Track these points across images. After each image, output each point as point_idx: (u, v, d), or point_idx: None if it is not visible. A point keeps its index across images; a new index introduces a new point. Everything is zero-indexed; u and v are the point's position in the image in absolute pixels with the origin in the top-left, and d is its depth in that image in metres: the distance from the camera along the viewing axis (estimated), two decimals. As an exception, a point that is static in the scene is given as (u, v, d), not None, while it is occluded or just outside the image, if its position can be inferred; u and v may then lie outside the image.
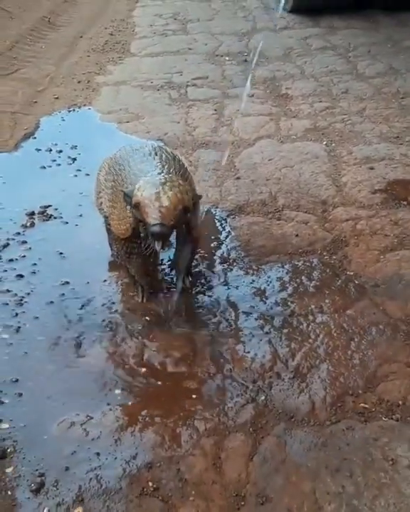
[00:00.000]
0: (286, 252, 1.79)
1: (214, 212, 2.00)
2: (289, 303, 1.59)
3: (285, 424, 1.27)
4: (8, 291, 1.64)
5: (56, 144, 2.48)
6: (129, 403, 1.32)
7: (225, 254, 1.79)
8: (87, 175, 2.23)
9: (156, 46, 3.84)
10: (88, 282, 1.68)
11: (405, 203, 2.00)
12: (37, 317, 1.55)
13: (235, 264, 1.75)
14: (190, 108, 2.86)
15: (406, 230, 1.85)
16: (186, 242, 1.52)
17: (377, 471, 1.17)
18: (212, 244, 1.83)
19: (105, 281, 1.70)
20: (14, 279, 1.69)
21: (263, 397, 1.33)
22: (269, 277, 1.68)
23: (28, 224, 1.95)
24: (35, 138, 2.58)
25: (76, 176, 2.27)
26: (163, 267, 1.76)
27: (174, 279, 1.68)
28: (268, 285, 1.65)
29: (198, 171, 2.25)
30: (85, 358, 1.43)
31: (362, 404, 1.31)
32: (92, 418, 1.28)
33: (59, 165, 2.35)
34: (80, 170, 2.30)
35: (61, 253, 1.81)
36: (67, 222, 1.97)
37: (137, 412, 1.30)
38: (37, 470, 1.17)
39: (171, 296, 1.59)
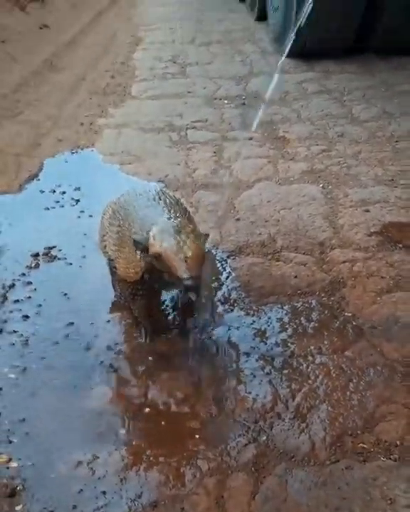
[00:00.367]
0: (285, 293, 1.84)
1: (215, 253, 2.05)
2: (289, 344, 1.63)
3: (286, 463, 1.30)
4: (14, 331, 1.68)
5: (60, 186, 2.55)
6: (134, 443, 1.35)
7: (226, 295, 1.84)
8: (91, 216, 2.29)
9: (156, 89, 3.95)
10: (92, 323, 1.72)
11: (400, 245, 2.06)
12: (43, 357, 1.59)
13: (235, 304, 1.80)
14: (190, 150, 2.94)
15: (402, 272, 1.90)
16: None
17: (376, 511, 1.19)
18: (213, 285, 1.88)
19: (109, 321, 1.74)
20: (20, 319, 1.73)
21: (264, 437, 1.36)
22: (269, 318, 1.73)
23: (33, 265, 2.00)
24: (39, 179, 2.64)
25: (79, 217, 2.32)
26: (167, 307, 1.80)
27: (177, 320, 1.73)
28: (268, 326, 1.69)
29: (199, 213, 2.30)
30: (91, 399, 1.46)
31: (361, 445, 1.34)
32: (98, 457, 1.31)
33: (63, 206, 2.41)
34: (83, 211, 2.36)
35: (65, 294, 1.86)
36: (71, 263, 2.02)
37: (141, 452, 1.33)
38: (45, 508, 1.20)
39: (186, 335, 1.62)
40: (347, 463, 1.30)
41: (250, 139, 3.05)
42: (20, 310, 1.77)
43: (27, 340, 1.64)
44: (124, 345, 1.64)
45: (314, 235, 2.14)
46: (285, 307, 1.78)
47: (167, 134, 3.15)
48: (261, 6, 5.70)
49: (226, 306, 1.79)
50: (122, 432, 1.37)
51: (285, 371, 1.54)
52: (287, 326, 1.69)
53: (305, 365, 1.55)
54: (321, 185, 2.51)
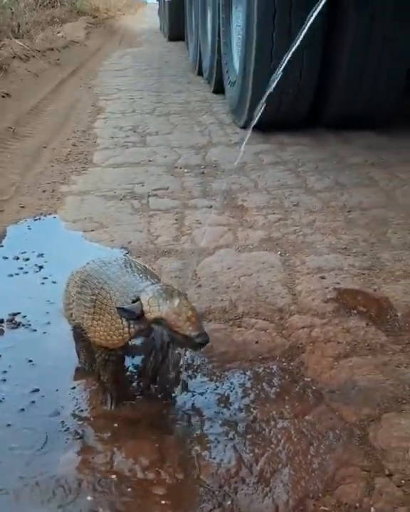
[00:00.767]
0: (247, 358, 1.90)
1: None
2: (251, 409, 1.67)
3: (251, 529, 1.33)
4: (-21, 399, 1.68)
5: (23, 252, 2.59)
6: (101, 510, 1.35)
7: (189, 361, 1.88)
8: (54, 282, 2.33)
9: (117, 157, 4.07)
10: (57, 389, 1.74)
11: (355, 311, 2.15)
12: (9, 424, 1.59)
13: (199, 370, 1.84)
14: (152, 217, 3.03)
15: (357, 337, 1.99)
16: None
17: None
18: (176, 351, 1.92)
19: (74, 388, 1.75)
20: (-15, 386, 1.74)
21: (229, 502, 1.38)
22: (232, 384, 1.77)
23: (-2, 331, 2.02)
24: (2, 246, 2.68)
25: (43, 283, 2.36)
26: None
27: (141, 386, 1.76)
28: (231, 391, 1.74)
29: (162, 279, 2.34)
30: (57, 466, 1.47)
31: (322, 507, 1.37)
32: (64, 527, 1.32)
33: (26, 273, 2.44)
34: (46, 278, 2.39)
35: (30, 360, 1.87)
36: (35, 330, 2.04)
37: (108, 520, 1.34)
38: None
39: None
40: (310, 527, 1.33)
41: (210, 207, 3.16)
42: (-15, 377, 1.78)
43: (-8, 408, 1.65)
44: (89, 412, 1.66)
45: (273, 302, 2.22)
46: (248, 372, 1.83)
47: (129, 202, 3.24)
48: (218, 79, 5.98)
49: (190, 372, 1.83)
50: (89, 498, 1.38)
51: (249, 436, 1.57)
52: (249, 392, 1.74)
53: (267, 430, 1.59)
54: (279, 253, 2.61)
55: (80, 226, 2.90)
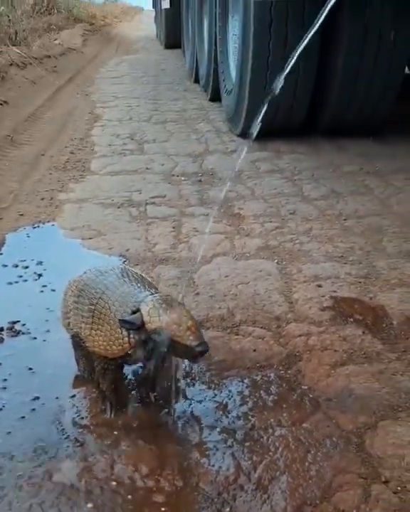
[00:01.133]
0: (245, 366, 1.92)
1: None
2: (250, 417, 1.69)
3: (249, 536, 1.34)
4: (-21, 407, 1.70)
5: (23, 260, 2.60)
6: (101, 518, 1.37)
7: (187, 369, 1.90)
8: (53, 290, 2.34)
9: (115, 165, 4.10)
10: (57, 397, 1.76)
11: (351, 319, 2.17)
12: (9, 432, 1.61)
13: (197, 378, 1.86)
14: (149, 225, 3.05)
15: (354, 345, 2.01)
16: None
17: None
18: (175, 359, 1.94)
19: (74, 396, 1.77)
20: (-15, 394, 1.75)
21: (227, 509, 1.40)
22: (230, 391, 1.79)
23: (-2, 339, 2.03)
24: (1, 254, 2.70)
25: (42, 291, 2.38)
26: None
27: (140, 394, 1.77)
28: (230, 399, 1.76)
29: (160, 287, 2.38)
30: (57, 474, 1.49)
31: (320, 515, 1.40)
32: (65, 534, 1.33)
33: (26, 281, 2.46)
34: (45, 285, 2.41)
35: (30, 368, 1.89)
36: (35, 338, 2.06)
37: (108, 527, 1.35)
38: None
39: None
40: (307, 533, 1.35)
41: (207, 214, 3.19)
42: (-14, 385, 1.79)
43: (-7, 416, 1.67)
44: (89, 420, 1.68)
45: (270, 310, 2.24)
46: (245, 380, 1.85)
47: (127, 209, 3.26)
48: (214, 87, 6.01)
49: (188, 380, 1.85)
50: (90, 506, 1.39)
51: (247, 444, 1.59)
52: (247, 399, 1.76)
53: (265, 438, 1.61)
54: (276, 261, 2.64)
55: (79, 234, 2.92)
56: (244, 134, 4.69)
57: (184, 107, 6.18)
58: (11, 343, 2.02)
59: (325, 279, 2.47)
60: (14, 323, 2.13)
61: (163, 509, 1.40)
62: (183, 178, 3.82)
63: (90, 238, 2.88)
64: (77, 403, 1.74)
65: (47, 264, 2.60)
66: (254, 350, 2.00)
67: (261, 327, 2.14)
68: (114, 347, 1.49)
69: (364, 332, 2.10)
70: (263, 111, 1.40)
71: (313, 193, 3.51)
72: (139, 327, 1.42)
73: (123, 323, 1.43)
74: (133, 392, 1.80)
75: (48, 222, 3.07)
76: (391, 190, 3.55)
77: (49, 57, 8.97)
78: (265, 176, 3.83)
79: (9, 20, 9.16)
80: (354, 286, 2.41)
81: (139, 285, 1.53)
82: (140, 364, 1.77)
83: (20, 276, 2.48)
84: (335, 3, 1.39)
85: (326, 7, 1.39)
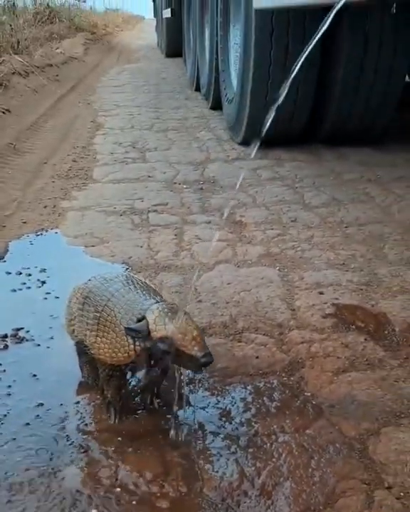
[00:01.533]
0: (248, 373, 1.93)
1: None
2: (253, 423, 1.70)
3: (253, 541, 1.35)
4: (-15, 413, 1.71)
5: (27, 268, 2.62)
6: (106, 523, 1.38)
7: (190, 375, 1.91)
8: (57, 297, 2.36)
9: (117, 173, 4.12)
10: (62, 404, 1.77)
11: (353, 326, 2.18)
12: (14, 438, 1.62)
13: (200, 385, 1.87)
14: (151, 233, 3.07)
15: (356, 352, 2.02)
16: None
17: None
18: (178, 366, 1.95)
19: (78, 402, 1.78)
20: (-10, 401, 1.76)
21: (231, 515, 1.41)
22: (233, 398, 1.80)
23: (2, 347, 2.04)
24: (5, 261, 2.71)
25: (46, 298, 2.39)
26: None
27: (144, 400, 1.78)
28: (233, 406, 1.77)
29: (162, 294, 2.39)
30: (62, 480, 1.49)
31: (324, 521, 1.40)
32: (70, 539, 1.34)
33: (29, 288, 2.47)
34: (49, 292, 2.43)
35: (35, 375, 1.90)
36: (39, 345, 2.07)
37: (113, 533, 1.36)
38: None
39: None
40: (311, 539, 1.36)
41: (209, 222, 3.21)
42: (-10, 391, 1.80)
43: (-2, 422, 1.67)
44: (93, 426, 1.68)
45: (273, 317, 2.25)
46: (248, 387, 1.86)
47: (129, 217, 3.28)
48: (216, 96, 6.05)
49: (191, 387, 1.86)
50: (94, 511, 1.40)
51: (250, 450, 1.60)
52: (250, 406, 1.77)
53: (269, 444, 1.62)
54: (277, 268, 2.65)
55: (81, 241, 2.94)
56: (245, 142, 4.72)
57: (186, 116, 6.21)
58: (15, 350, 2.03)
59: (327, 286, 2.48)
60: (18, 330, 2.14)
61: (167, 515, 1.41)
62: (185, 186, 3.84)
63: (93, 246, 2.89)
64: (82, 409, 1.75)
65: (50, 271, 2.61)
66: (257, 357, 2.01)
67: (263, 334, 2.15)
68: (119, 354, 1.50)
69: (366, 339, 2.11)
70: (272, 118, 1.41)
71: (314, 201, 3.52)
72: (144, 335, 1.43)
73: (129, 331, 1.44)
74: (137, 398, 1.81)
75: (51, 229, 3.09)
76: (392, 198, 3.56)
77: (51, 66, 9.02)
78: (266, 184, 3.85)
79: (11, 29, 9.22)
80: (356, 293, 2.42)
81: (144, 293, 1.54)
82: (142, 371, 1.78)
83: (24, 284, 2.50)
84: (336, 13, 1.41)
85: (327, 18, 1.40)
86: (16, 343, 2.07)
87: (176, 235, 3.03)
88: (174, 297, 2.38)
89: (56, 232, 3.06)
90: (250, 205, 3.47)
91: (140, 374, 1.85)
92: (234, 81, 5.05)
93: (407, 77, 5.03)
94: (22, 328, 2.15)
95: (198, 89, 7.51)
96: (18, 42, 8.82)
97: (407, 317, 2.24)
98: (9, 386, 1.84)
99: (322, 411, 1.75)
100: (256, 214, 3.32)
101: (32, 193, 3.67)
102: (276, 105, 1.50)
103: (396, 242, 2.92)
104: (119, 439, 1.64)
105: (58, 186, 3.82)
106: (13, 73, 7.19)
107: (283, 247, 2.87)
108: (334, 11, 1.42)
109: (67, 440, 1.62)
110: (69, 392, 1.83)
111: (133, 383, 1.87)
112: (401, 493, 1.46)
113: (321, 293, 2.43)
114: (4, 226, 3.11)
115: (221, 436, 1.65)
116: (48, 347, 2.06)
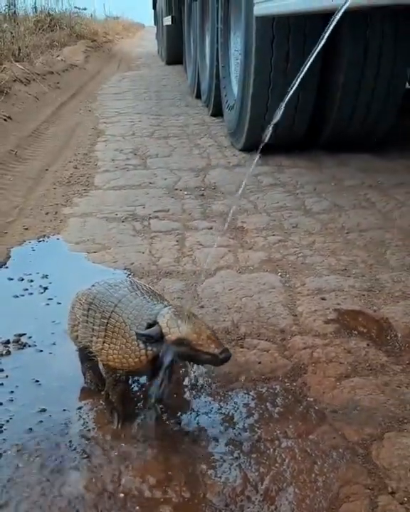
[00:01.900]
0: (250, 378, 1.93)
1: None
2: (256, 428, 1.70)
3: (257, 547, 1.35)
4: (-12, 419, 1.71)
5: (29, 274, 2.62)
6: (110, 529, 1.38)
7: (193, 381, 1.91)
8: (59, 303, 2.36)
9: (118, 180, 4.13)
10: (65, 409, 1.77)
11: (356, 332, 2.18)
12: (17, 444, 1.62)
13: (202, 390, 1.87)
14: (153, 239, 3.07)
15: (358, 358, 2.02)
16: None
17: None
18: (180, 371, 1.95)
19: (81, 408, 1.78)
20: (-7, 406, 1.76)
21: (235, 521, 1.41)
22: (236, 403, 1.80)
23: (4, 352, 2.04)
24: (7, 267, 2.72)
25: (48, 304, 2.39)
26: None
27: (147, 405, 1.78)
28: (236, 411, 1.77)
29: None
30: (65, 485, 1.49)
31: (328, 526, 1.40)
32: (74, 545, 1.34)
33: (31, 294, 2.47)
34: (51, 298, 2.43)
35: (37, 381, 1.90)
36: (41, 350, 2.07)
37: (117, 538, 1.36)
38: None
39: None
40: (315, 544, 1.35)
41: (210, 228, 3.21)
42: (-7, 397, 1.81)
43: (1, 427, 1.67)
44: (96, 431, 1.68)
45: (275, 322, 2.25)
46: (251, 393, 1.86)
47: (131, 223, 3.29)
48: (216, 103, 6.07)
49: (194, 392, 1.86)
50: (98, 518, 1.40)
51: (254, 455, 1.60)
52: (253, 411, 1.77)
53: (272, 449, 1.62)
54: (279, 274, 2.65)
55: (83, 247, 2.94)
56: (247, 149, 4.73)
57: (186, 122, 6.23)
58: (17, 356, 2.03)
59: (329, 291, 2.48)
60: (20, 335, 2.14)
61: (171, 520, 1.40)
62: (186, 193, 3.85)
63: (95, 252, 2.90)
64: (84, 415, 1.75)
65: (52, 277, 2.61)
66: (259, 363, 2.01)
67: (266, 340, 2.15)
68: (130, 360, 1.50)
69: (368, 344, 2.11)
70: (273, 124, 1.41)
71: (315, 207, 3.53)
72: (158, 340, 1.44)
73: (141, 336, 1.45)
74: (139, 403, 1.80)
75: (53, 236, 3.10)
76: (393, 204, 3.57)
77: (52, 73, 9.07)
78: (267, 190, 3.86)
79: (12, 36, 9.26)
80: (358, 298, 2.42)
81: (151, 298, 1.55)
82: (147, 376, 1.78)
83: (26, 290, 2.50)
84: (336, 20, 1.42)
85: (329, 27, 1.41)
86: (19, 348, 2.08)
87: (177, 241, 3.04)
88: (176, 303, 2.37)
89: (58, 239, 3.07)
90: (252, 212, 3.48)
91: (145, 379, 1.85)
92: (235, 88, 5.07)
93: (408, 84, 5.05)
94: (24, 334, 2.15)
95: (198, 96, 7.54)
96: (19, 49, 8.86)
97: (409, 322, 2.24)
98: (12, 392, 1.84)
99: (325, 416, 1.75)
100: (257, 220, 3.33)
101: (33, 200, 3.68)
102: (277, 112, 1.51)
103: (397, 247, 2.92)
104: (122, 444, 1.64)
105: (59, 193, 3.83)
106: (15, 80, 7.23)
107: (285, 253, 2.88)
108: (335, 19, 1.43)
109: (70, 445, 1.62)
110: (72, 398, 1.83)
111: (135, 388, 1.87)
112: (405, 498, 1.45)
113: (323, 299, 2.43)
114: (6, 233, 3.12)
115: (224, 441, 1.65)
116: (51, 353, 2.06)
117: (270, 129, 1.43)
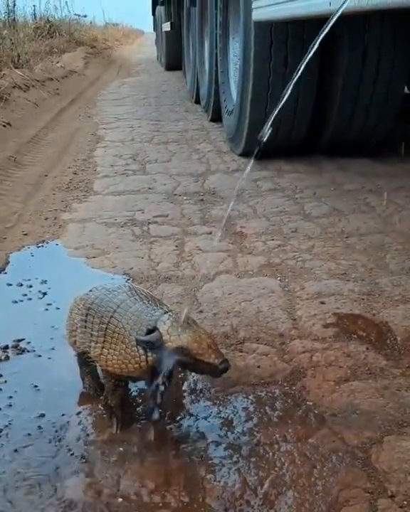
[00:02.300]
0: (249, 382, 1.92)
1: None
2: (255, 432, 1.69)
3: (256, 551, 1.34)
4: (-14, 424, 1.71)
5: (28, 279, 2.62)
6: (108, 534, 1.37)
7: (192, 385, 1.91)
8: (58, 308, 2.36)
9: (118, 185, 4.14)
10: (63, 414, 1.76)
11: (355, 336, 2.18)
12: (15, 449, 1.61)
13: (202, 394, 1.86)
14: (152, 244, 3.07)
15: (358, 361, 2.02)
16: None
17: None
18: (179, 375, 1.95)
19: (79, 413, 1.78)
20: (-8, 412, 1.76)
21: (234, 526, 1.40)
22: (235, 407, 1.80)
23: (3, 358, 2.04)
24: (6, 273, 2.72)
25: (47, 309, 2.39)
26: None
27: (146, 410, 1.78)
28: (235, 415, 1.76)
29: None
30: (63, 490, 1.49)
31: (327, 530, 1.39)
32: (72, 550, 1.33)
33: (30, 299, 2.47)
34: (50, 304, 2.43)
35: (36, 386, 1.90)
36: (40, 356, 2.07)
37: (115, 543, 1.35)
38: None
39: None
40: (314, 549, 1.35)
41: (210, 233, 3.21)
42: (-8, 402, 1.80)
43: (0, 432, 1.67)
44: (95, 436, 1.68)
45: (274, 327, 2.25)
46: (250, 397, 1.85)
47: (130, 229, 3.29)
48: (215, 108, 6.08)
49: (193, 397, 1.85)
50: (96, 523, 1.40)
51: (253, 459, 1.59)
52: (252, 415, 1.77)
53: (271, 453, 1.61)
54: (278, 279, 2.65)
55: (82, 253, 2.94)
56: (246, 154, 4.74)
57: (185, 128, 6.24)
58: (16, 361, 2.03)
59: (328, 296, 2.48)
60: (19, 341, 2.14)
61: (170, 525, 1.40)
62: (185, 198, 3.85)
63: (94, 257, 2.90)
64: (83, 420, 1.75)
65: (51, 282, 2.61)
66: (258, 367, 2.00)
67: (265, 344, 2.14)
68: (129, 366, 1.50)
69: (367, 348, 2.11)
70: (271, 129, 1.42)
71: (315, 211, 3.53)
72: (158, 346, 1.43)
73: (141, 342, 1.44)
74: (138, 408, 1.80)
75: (52, 241, 3.10)
76: (392, 208, 3.57)
77: (51, 79, 9.09)
78: (266, 195, 3.86)
79: (12, 43, 9.28)
80: (358, 302, 2.42)
81: (150, 303, 1.54)
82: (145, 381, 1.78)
83: (25, 295, 2.50)
84: (334, 24, 1.42)
85: (324, 29, 1.41)
86: (17, 354, 2.07)
87: (177, 246, 3.04)
88: (175, 308, 2.37)
89: (57, 244, 3.07)
90: (251, 216, 3.48)
91: (141, 383, 1.85)
92: (234, 93, 5.08)
93: (406, 88, 5.06)
94: (23, 339, 2.15)
95: (198, 101, 7.56)
96: (19, 56, 8.88)
97: (409, 326, 2.24)
98: (10, 397, 1.84)
99: (325, 420, 1.74)
100: (257, 225, 3.33)
101: (33, 205, 3.68)
102: (275, 117, 1.51)
103: (397, 251, 2.92)
104: (121, 449, 1.63)
105: (58, 198, 3.83)
106: (14, 87, 7.25)
107: (284, 258, 2.88)
108: (330, 22, 1.44)
109: (69, 450, 1.62)
110: (70, 403, 1.82)
111: (134, 393, 1.86)
112: (405, 502, 1.45)
113: (322, 303, 2.43)
114: (5, 238, 3.12)
115: (223, 445, 1.64)
116: (49, 358, 2.06)
117: (267, 132, 1.42)
